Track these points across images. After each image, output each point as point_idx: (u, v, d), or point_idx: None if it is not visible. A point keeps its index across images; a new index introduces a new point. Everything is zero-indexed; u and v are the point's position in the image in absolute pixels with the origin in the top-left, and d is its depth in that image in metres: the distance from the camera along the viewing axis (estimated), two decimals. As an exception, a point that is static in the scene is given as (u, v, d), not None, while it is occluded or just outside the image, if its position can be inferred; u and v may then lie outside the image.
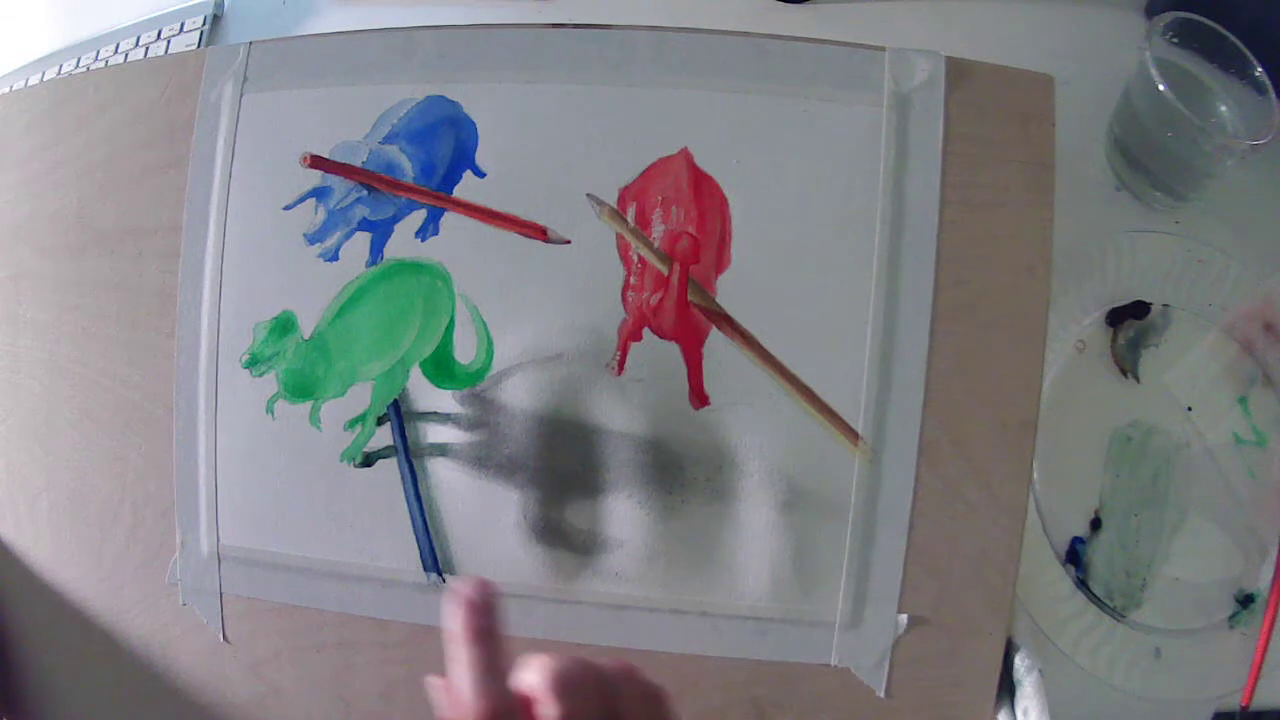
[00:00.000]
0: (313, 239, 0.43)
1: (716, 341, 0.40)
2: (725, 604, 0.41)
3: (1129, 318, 0.49)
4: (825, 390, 0.40)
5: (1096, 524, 0.48)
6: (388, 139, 0.42)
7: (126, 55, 0.65)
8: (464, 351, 0.41)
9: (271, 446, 0.43)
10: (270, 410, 0.43)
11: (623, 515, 0.41)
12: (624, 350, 0.40)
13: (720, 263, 0.40)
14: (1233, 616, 0.47)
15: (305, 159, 0.43)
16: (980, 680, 0.41)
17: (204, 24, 0.63)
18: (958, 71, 0.42)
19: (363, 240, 0.42)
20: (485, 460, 0.41)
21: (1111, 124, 0.52)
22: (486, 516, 0.41)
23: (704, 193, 0.41)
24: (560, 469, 0.41)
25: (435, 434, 0.41)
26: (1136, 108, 0.48)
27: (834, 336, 0.40)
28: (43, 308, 0.47)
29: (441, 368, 0.41)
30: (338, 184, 0.43)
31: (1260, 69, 0.47)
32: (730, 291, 0.40)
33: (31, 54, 0.69)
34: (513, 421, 0.41)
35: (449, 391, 0.41)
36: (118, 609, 0.45)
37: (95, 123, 0.47)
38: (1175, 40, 0.48)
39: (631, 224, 0.41)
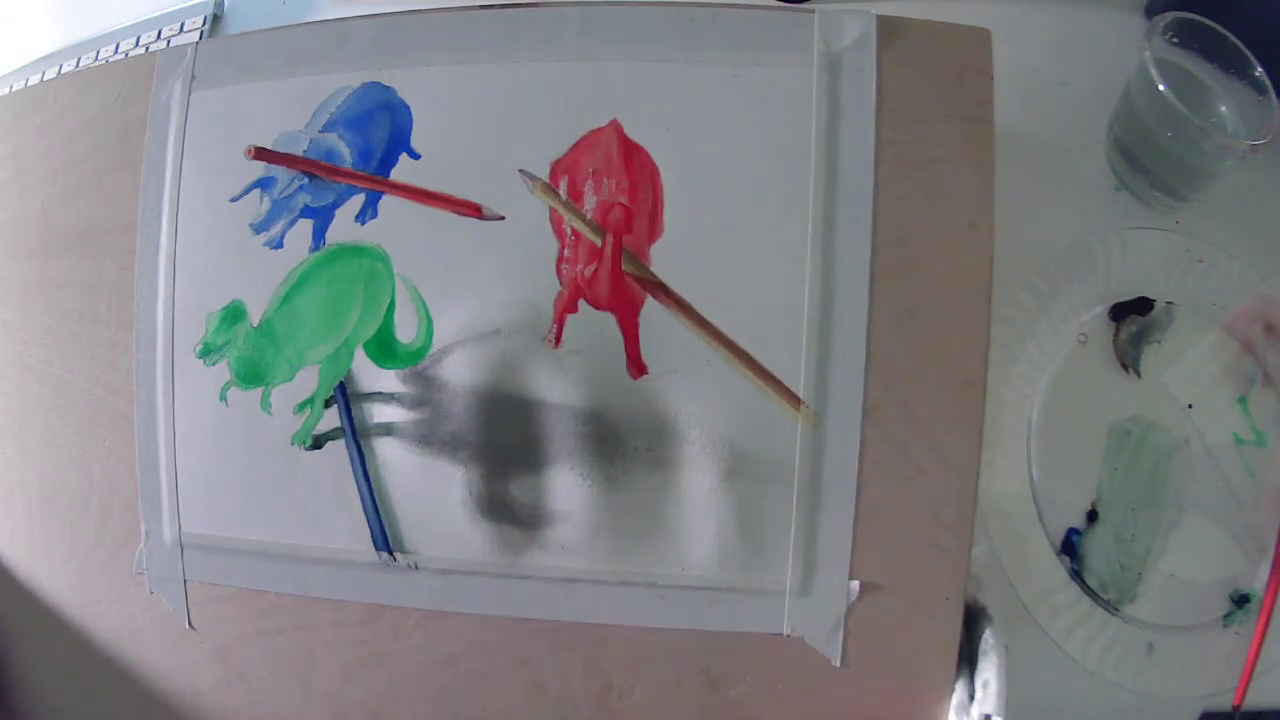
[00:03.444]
0: (259, 228, 0.43)
1: (652, 310, 0.40)
2: (673, 574, 0.40)
3: (1132, 313, 0.49)
4: (764, 355, 0.40)
5: (1093, 516, 0.47)
6: (327, 127, 0.43)
7: (127, 55, 0.63)
8: (405, 331, 0.42)
9: (226, 434, 0.43)
10: (223, 398, 0.43)
11: (566, 488, 0.40)
12: (560, 323, 0.40)
13: (653, 231, 0.40)
14: (1227, 616, 0.46)
15: (249, 151, 0.44)
16: (940, 647, 0.40)
17: (204, 24, 0.62)
18: (890, 29, 0.41)
19: (306, 227, 0.43)
20: (429, 438, 0.41)
21: (1111, 124, 0.51)
22: (433, 494, 0.41)
23: (635, 163, 0.41)
24: (502, 444, 0.41)
25: (381, 414, 0.42)
26: (1136, 108, 0.48)
27: (771, 300, 0.40)
28: (12, 311, 0.48)
29: (384, 348, 0.42)
30: (281, 174, 0.43)
31: (1260, 69, 0.46)
32: (664, 260, 0.40)
33: (31, 54, 0.69)
34: (454, 398, 0.41)
35: (392, 371, 0.42)
36: (90, 600, 0.46)
37: (56, 129, 0.48)
38: (1175, 40, 0.48)
39: (564, 197, 0.41)
